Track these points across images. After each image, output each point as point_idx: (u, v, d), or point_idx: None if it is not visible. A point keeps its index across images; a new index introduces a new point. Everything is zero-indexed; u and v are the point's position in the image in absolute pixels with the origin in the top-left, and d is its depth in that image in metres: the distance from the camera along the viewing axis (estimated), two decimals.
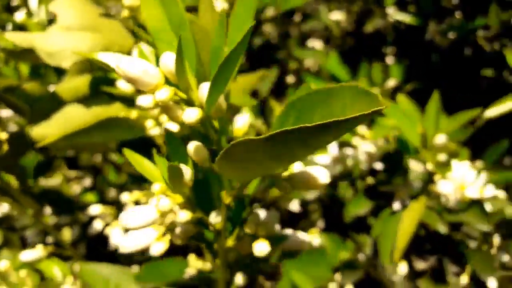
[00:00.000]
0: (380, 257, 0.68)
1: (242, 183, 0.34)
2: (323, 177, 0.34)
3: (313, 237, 0.90)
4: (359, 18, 1.30)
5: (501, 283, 0.71)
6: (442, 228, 0.69)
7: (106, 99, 0.54)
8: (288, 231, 0.44)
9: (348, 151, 0.82)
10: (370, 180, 0.82)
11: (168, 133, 0.34)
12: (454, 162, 0.68)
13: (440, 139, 0.66)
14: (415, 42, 1.21)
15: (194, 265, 0.52)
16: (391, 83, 1.05)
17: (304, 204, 0.96)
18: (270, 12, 1.31)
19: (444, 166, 0.69)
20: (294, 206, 0.90)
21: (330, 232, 0.87)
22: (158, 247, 0.38)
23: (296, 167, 0.36)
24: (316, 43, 1.36)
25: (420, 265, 0.78)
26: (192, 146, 0.33)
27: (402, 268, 0.80)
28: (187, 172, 0.33)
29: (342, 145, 0.82)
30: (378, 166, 0.80)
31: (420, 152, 0.68)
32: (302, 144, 0.25)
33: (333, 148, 0.82)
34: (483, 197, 0.71)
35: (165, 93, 0.30)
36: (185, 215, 0.34)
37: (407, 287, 0.77)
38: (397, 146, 0.72)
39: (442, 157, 0.68)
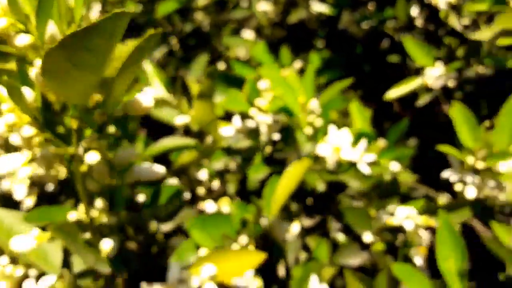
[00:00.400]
0: (263, 211, 0.76)
1: (77, 105, 0.40)
2: (146, 101, 0.40)
3: (224, 205, 0.98)
4: (285, 9, 1.39)
5: (376, 236, 0.80)
6: (321, 187, 0.77)
7: None
8: (145, 164, 0.50)
9: (250, 123, 0.89)
10: (268, 149, 0.89)
11: (19, 62, 0.41)
12: (331, 128, 0.76)
13: (312, 104, 0.74)
14: (334, 32, 1.30)
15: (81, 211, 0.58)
16: (297, 65, 1.14)
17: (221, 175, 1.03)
18: (202, 1, 1.38)
19: (324, 132, 0.77)
20: (203, 175, 0.98)
21: (235, 199, 0.95)
22: (25, 171, 0.45)
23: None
24: (247, 33, 1.44)
25: (307, 222, 0.86)
26: (34, 72, 0.39)
27: (295, 227, 0.87)
28: (29, 94, 0.39)
29: (244, 117, 0.89)
30: (276, 136, 0.88)
31: (300, 119, 0.76)
32: (84, 48, 0.32)
33: (236, 120, 0.89)
34: (361, 161, 0.79)
35: (3, 22, 0.36)
36: (30, 131, 0.40)
37: (297, 244, 0.85)
38: (284, 116, 0.80)
39: (318, 122, 0.76)
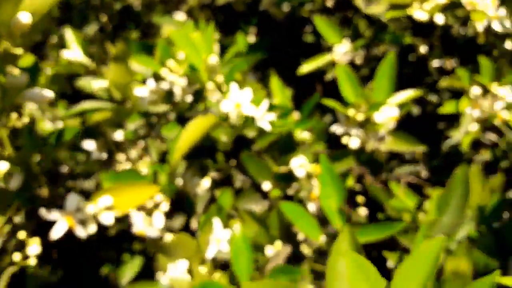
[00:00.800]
0: (168, 159, 0.82)
1: None
2: (25, 19, 0.46)
3: (143, 167, 1.03)
4: None
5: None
6: (224, 139, 0.84)
7: None
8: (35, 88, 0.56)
9: (164, 85, 0.95)
10: (182, 109, 0.96)
11: None
12: (233, 85, 0.84)
13: (212, 59, 0.82)
14: (257, 14, 1.39)
15: None
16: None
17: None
18: None
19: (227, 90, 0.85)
20: (118, 136, 1.03)
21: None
22: None
23: None
24: (179, 16, 1.50)
25: (216, 175, 0.93)
26: None
27: (205, 182, 0.94)
28: None
29: (158, 78, 0.95)
30: (189, 98, 0.95)
31: (204, 77, 0.84)
32: None
33: (150, 81, 0.95)
34: (263, 118, 0.87)
35: None
36: None
37: (207, 197, 0.92)
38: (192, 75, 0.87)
39: (219, 78, 0.83)
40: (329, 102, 0.82)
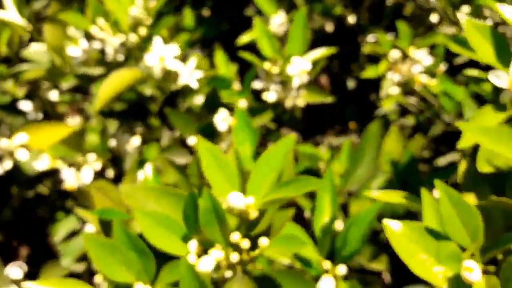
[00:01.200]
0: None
1: None
2: None
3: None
4: None
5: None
6: (147, 91, 0.88)
7: None
8: None
9: (96, 44, 0.98)
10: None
11: None
12: (157, 39, 0.87)
13: (133, 11, 0.85)
14: None
15: None
16: None
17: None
18: None
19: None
20: (53, 95, 1.05)
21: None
22: None
23: None
24: None
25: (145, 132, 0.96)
26: None
27: (135, 140, 0.97)
28: None
29: (90, 38, 0.97)
30: (121, 58, 0.98)
31: (126, 29, 0.87)
32: None
33: (82, 41, 0.97)
34: (189, 76, 0.90)
35: None
36: None
37: (136, 153, 0.95)
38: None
39: (142, 31, 0.87)
40: (247, 56, 0.86)
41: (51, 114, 1.04)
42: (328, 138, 1.14)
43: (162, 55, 0.87)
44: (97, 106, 0.81)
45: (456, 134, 1.07)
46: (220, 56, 1.16)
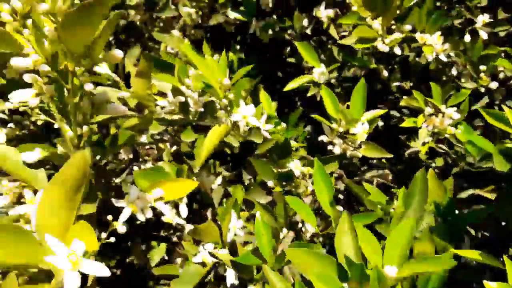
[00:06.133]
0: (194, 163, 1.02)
1: (74, 52, 0.64)
2: (119, 53, 0.65)
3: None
4: (206, 13, 1.66)
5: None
6: (235, 144, 1.05)
7: None
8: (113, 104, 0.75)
9: (181, 98, 1.14)
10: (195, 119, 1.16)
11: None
12: (241, 102, 1.05)
13: (225, 81, 1.02)
14: (246, 35, 1.60)
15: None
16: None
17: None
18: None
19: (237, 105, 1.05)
20: (143, 139, 1.21)
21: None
22: (34, 101, 0.67)
23: None
24: (175, 32, 1.69)
25: (228, 175, 1.14)
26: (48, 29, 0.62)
27: (219, 180, 1.14)
28: (46, 43, 0.63)
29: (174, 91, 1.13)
30: (200, 109, 1.14)
31: (218, 93, 1.04)
32: (84, 17, 0.57)
33: (170, 95, 1.13)
34: (263, 127, 1.08)
35: None
36: (46, 67, 0.64)
37: (221, 191, 1.12)
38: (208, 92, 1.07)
39: (231, 96, 1.04)
40: (318, 117, 1.05)
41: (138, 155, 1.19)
42: (367, 174, 1.34)
43: (245, 114, 1.05)
44: (202, 160, 0.98)
45: (475, 173, 1.28)
46: (264, 97, 1.33)
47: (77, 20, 0.58)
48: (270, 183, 1.08)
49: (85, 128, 0.72)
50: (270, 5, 1.51)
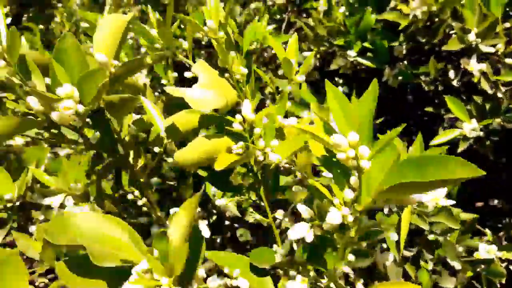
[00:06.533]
0: (391, 250, 0.93)
1: None
2: None
3: None
4: (323, 57, 1.58)
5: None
6: (426, 226, 0.96)
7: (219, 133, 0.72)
8: None
9: None
10: None
11: None
12: None
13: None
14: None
15: None
16: None
17: None
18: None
19: None
20: None
21: None
22: None
23: None
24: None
25: (407, 253, 1.04)
26: None
27: (391, 256, 1.05)
28: None
29: None
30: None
31: None
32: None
33: None
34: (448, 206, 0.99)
35: None
36: None
37: (397, 270, 1.03)
38: None
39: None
40: None
41: None
42: None
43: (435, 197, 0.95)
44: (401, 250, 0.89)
45: None
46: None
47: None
48: (457, 265, 0.98)
49: None
50: (404, 52, 1.42)
